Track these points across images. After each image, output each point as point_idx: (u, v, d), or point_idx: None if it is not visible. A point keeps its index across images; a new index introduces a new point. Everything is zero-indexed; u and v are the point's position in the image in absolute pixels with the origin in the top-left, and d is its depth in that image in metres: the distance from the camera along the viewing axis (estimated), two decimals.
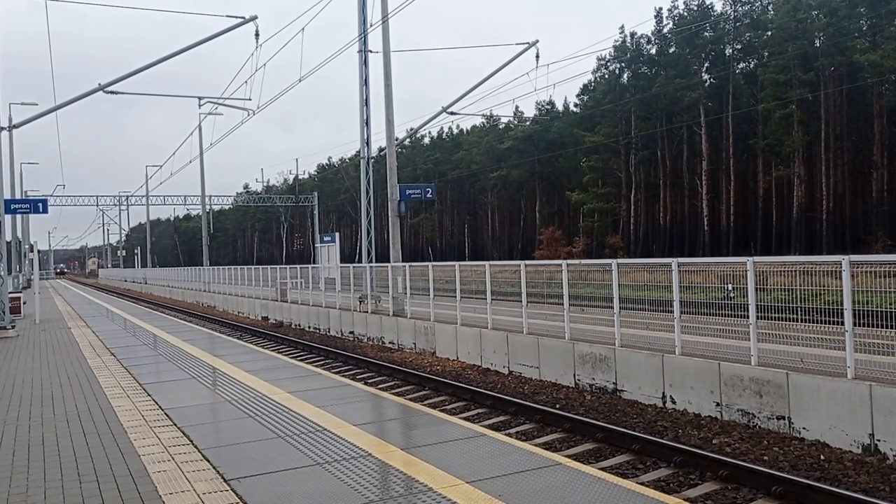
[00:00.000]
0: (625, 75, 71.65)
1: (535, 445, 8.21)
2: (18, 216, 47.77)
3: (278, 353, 17.98)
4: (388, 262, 22.55)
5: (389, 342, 20.90)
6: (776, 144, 57.43)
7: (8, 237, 27.95)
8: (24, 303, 29.31)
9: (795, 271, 10.42)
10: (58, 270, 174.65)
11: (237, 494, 5.69)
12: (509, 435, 9.56)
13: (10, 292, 23.14)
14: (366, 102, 24.25)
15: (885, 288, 8.94)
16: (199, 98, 38.42)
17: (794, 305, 10.01)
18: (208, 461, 6.67)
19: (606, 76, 72.96)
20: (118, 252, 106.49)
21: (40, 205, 26.64)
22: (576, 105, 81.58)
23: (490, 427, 9.84)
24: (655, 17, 69.22)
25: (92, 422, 8.61)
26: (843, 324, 9.07)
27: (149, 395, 10.24)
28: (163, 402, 9.64)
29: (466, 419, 10.56)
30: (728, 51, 65.40)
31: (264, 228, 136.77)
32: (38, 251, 36.15)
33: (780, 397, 9.71)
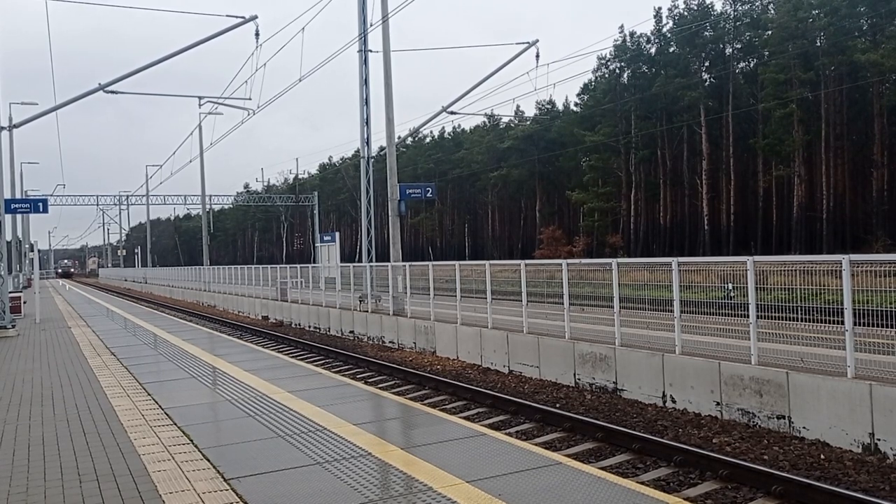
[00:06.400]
0: (625, 75, 71.68)
1: (535, 445, 8.20)
2: (19, 216, 47.74)
3: (278, 352, 17.97)
4: (388, 261, 22.55)
5: (389, 341, 20.90)
6: (776, 144, 57.43)
7: (8, 237, 27.95)
8: (25, 302, 29.32)
9: (795, 271, 10.42)
10: (60, 270, 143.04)
11: (237, 494, 5.69)
12: (509, 434, 9.56)
13: (10, 292, 23.15)
14: (366, 102, 24.26)
15: (885, 287, 8.94)
16: (200, 98, 38.41)
17: (794, 305, 10.01)
18: (208, 460, 6.67)
19: (606, 76, 72.99)
20: (118, 252, 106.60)
21: (40, 204, 26.59)
22: (576, 104, 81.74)
23: (490, 426, 9.84)
24: (655, 16, 69.35)
25: (92, 421, 8.62)
26: (843, 323, 9.07)
27: (149, 394, 10.25)
28: (163, 401, 9.65)
29: (466, 418, 10.56)
30: (728, 50, 65.39)
31: (264, 228, 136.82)
32: (39, 251, 36.16)
33: (780, 397, 9.71)
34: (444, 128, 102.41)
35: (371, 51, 24.08)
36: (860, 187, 57.85)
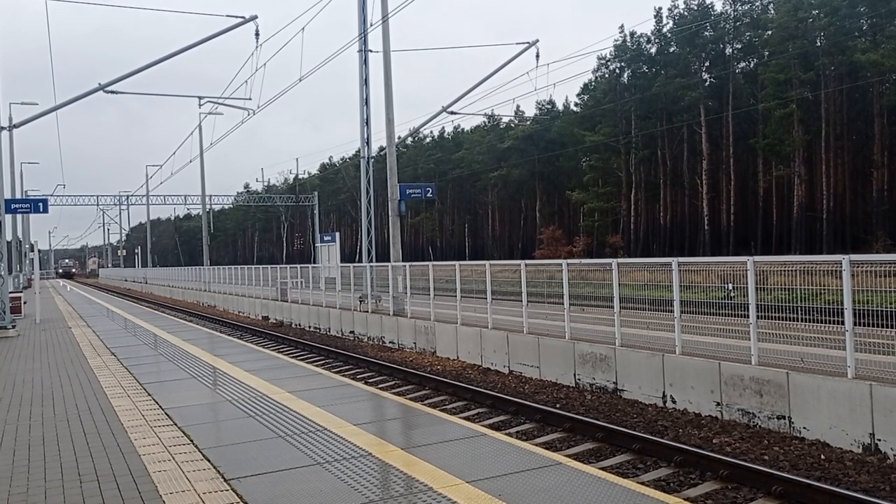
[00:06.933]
0: (625, 75, 71.69)
1: (536, 445, 8.21)
2: (19, 216, 47.74)
3: (278, 352, 17.98)
4: (389, 261, 22.55)
5: (390, 342, 20.90)
6: (776, 144, 57.43)
7: (8, 237, 27.95)
8: (25, 302, 29.32)
9: (796, 271, 10.42)
10: (61, 270, 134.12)
11: (237, 494, 5.69)
12: (509, 434, 9.56)
13: (10, 292, 23.15)
14: (366, 102, 24.26)
15: (885, 287, 8.94)
16: (200, 98, 38.42)
17: (794, 305, 10.01)
18: (208, 461, 6.67)
19: (606, 76, 73.00)
20: (118, 252, 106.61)
21: (41, 204, 26.59)
22: (576, 104, 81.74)
23: (490, 426, 9.84)
24: (655, 16, 69.36)
25: (92, 421, 8.62)
26: (843, 323, 9.07)
27: (149, 394, 10.25)
28: (163, 401, 9.65)
29: (467, 419, 10.56)
30: (728, 50, 65.40)
31: (265, 228, 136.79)
32: (39, 251, 36.16)
33: (780, 397, 9.71)
34: (444, 128, 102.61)
35: (371, 51, 24.11)
36: (860, 187, 57.81)
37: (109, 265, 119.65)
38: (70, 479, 6.33)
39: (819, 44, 56.26)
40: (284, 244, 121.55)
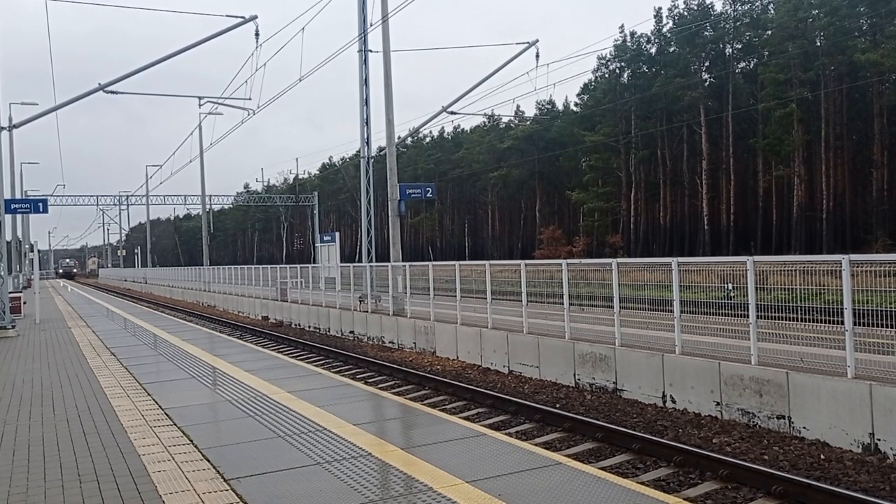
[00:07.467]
0: (625, 75, 71.70)
1: (535, 445, 8.20)
2: (19, 216, 47.73)
3: (278, 352, 17.97)
4: (388, 261, 22.55)
5: (389, 342, 20.90)
6: (776, 144, 57.43)
7: (8, 237, 27.96)
8: (25, 302, 29.32)
9: (795, 271, 10.43)
10: (61, 270, 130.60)
11: (237, 494, 5.69)
12: (509, 434, 9.56)
13: (10, 292, 23.14)
14: (366, 102, 24.25)
15: (885, 287, 8.94)
16: (200, 98, 38.40)
17: (794, 305, 10.01)
18: (208, 461, 6.67)
19: (606, 76, 73.01)
20: (118, 252, 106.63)
21: (40, 204, 26.60)
22: (576, 104, 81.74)
23: (490, 426, 9.84)
24: (655, 16, 69.37)
25: (92, 421, 8.62)
26: (843, 323, 9.06)
27: (149, 394, 10.25)
28: (163, 401, 9.65)
29: (466, 419, 10.56)
30: (728, 50, 65.42)
31: (264, 228, 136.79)
32: (38, 251, 36.16)
33: (780, 397, 9.71)
34: (444, 128, 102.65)
35: (371, 51, 24.10)
36: (860, 187, 57.84)
37: (109, 265, 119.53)
38: (70, 479, 6.33)
39: (819, 44, 56.26)
40: (284, 244, 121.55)
